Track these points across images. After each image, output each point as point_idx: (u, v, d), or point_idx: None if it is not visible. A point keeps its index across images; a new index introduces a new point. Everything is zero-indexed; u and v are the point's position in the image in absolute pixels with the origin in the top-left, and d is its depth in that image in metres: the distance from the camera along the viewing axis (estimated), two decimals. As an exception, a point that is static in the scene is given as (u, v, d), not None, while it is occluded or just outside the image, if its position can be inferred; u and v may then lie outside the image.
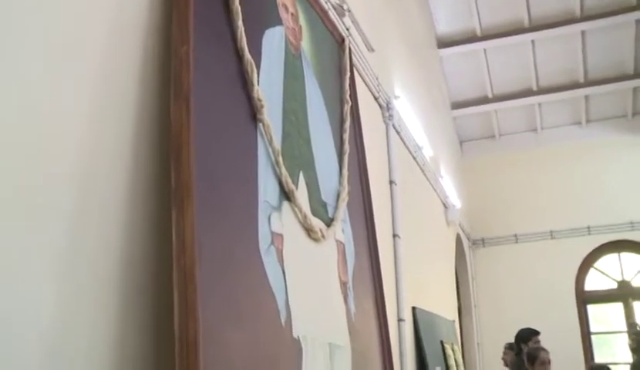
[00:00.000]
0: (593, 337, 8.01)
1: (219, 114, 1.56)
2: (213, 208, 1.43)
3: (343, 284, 2.19)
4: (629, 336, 6.38)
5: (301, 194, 1.95)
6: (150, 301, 1.35)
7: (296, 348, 1.71)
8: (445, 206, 5.90)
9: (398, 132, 4.06)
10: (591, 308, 8.23)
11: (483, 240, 8.32)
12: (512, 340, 6.20)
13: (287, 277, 1.72)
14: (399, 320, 3.42)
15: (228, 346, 1.38)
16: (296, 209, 1.88)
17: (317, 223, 2.00)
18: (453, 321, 5.60)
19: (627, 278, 8.32)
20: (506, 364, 5.95)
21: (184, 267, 1.29)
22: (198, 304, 1.27)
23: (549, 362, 5.05)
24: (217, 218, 1.44)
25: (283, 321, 1.66)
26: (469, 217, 8.02)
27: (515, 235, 8.22)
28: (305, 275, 1.88)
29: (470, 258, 7.84)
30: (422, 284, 4.38)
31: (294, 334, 1.70)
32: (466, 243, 7.67)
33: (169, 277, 1.31)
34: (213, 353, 1.29)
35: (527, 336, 5.95)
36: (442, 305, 5.20)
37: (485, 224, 8.26)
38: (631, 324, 7.40)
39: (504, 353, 6.07)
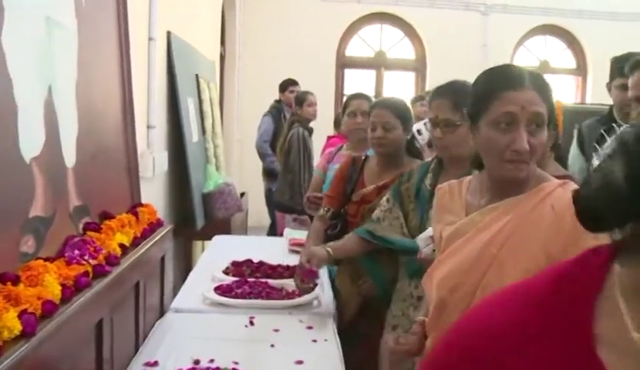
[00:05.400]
0: (345, 98, 8.63)
1: None
2: None
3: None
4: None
5: None
6: None
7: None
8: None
9: None
10: (348, 72, 8.74)
11: (256, -8, 8.11)
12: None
13: None
14: (150, 38, 3.21)
15: None
16: None
17: None
18: (213, 62, 5.53)
19: (384, 49, 8.88)
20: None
21: None
22: None
23: (315, 104, 5.34)
24: None
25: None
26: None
27: (289, -7, 8.15)
28: None
29: (241, 8, 7.64)
30: (181, 13, 4.14)
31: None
32: (238, -8, 7.42)
33: None
34: None
35: (285, 84, 6.21)
36: (203, 44, 5.04)
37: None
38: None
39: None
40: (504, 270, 1.40)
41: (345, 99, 6.43)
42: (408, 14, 8.54)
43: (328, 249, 2.45)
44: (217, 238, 3.85)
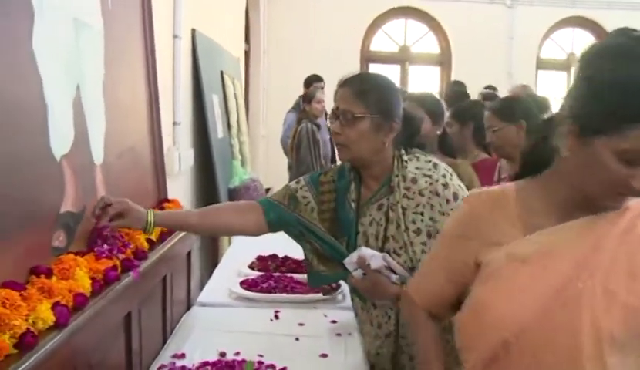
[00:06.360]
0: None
1: None
2: None
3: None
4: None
5: None
6: None
7: (28, 11, 1.49)
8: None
9: None
10: (372, 66, 8.74)
11: (280, -13, 8.14)
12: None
13: None
14: (175, 36, 3.25)
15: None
16: None
17: None
18: (238, 59, 5.57)
19: (408, 44, 8.86)
20: None
21: None
22: None
23: (323, 101, 5.40)
24: None
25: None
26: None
27: (312, -14, 8.16)
28: None
29: (265, 4, 7.68)
30: (206, 11, 4.18)
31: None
32: (262, -12, 7.46)
33: None
34: None
35: (310, 80, 6.24)
36: (228, 41, 5.08)
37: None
38: None
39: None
40: (601, 308, 1.15)
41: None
42: (432, 8, 8.50)
43: (149, 214, 1.82)
44: (242, 233, 3.89)
